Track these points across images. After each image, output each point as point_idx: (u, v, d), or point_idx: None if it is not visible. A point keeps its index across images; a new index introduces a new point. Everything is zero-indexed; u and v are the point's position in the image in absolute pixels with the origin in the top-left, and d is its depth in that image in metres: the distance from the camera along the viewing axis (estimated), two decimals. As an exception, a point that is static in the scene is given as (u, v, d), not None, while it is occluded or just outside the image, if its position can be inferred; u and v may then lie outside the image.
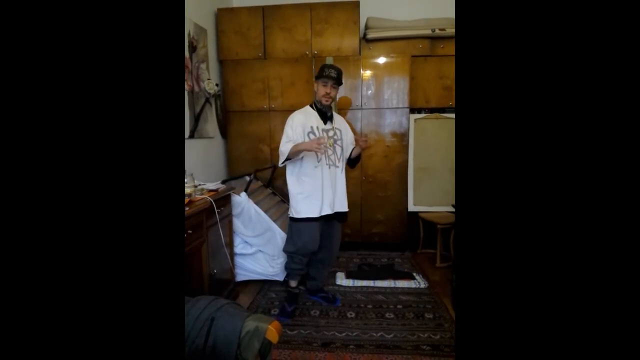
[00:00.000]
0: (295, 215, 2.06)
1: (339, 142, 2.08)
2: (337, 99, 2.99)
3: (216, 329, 1.08)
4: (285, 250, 2.19)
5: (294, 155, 1.91)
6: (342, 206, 2.12)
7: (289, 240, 2.16)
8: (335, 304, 2.21)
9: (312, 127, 2.00)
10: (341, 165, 2.11)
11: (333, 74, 1.96)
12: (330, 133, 2.05)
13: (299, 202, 2.04)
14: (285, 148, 1.92)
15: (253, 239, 2.44)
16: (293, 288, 2.23)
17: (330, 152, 2.04)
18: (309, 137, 1.97)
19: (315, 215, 2.01)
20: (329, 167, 2.04)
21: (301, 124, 1.98)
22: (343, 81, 2.94)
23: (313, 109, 2.06)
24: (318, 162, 2.00)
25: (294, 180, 2.06)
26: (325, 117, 2.04)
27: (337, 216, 2.12)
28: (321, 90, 1.99)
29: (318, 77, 2.00)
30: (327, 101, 1.99)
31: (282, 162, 1.97)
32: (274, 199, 2.99)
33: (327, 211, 2.04)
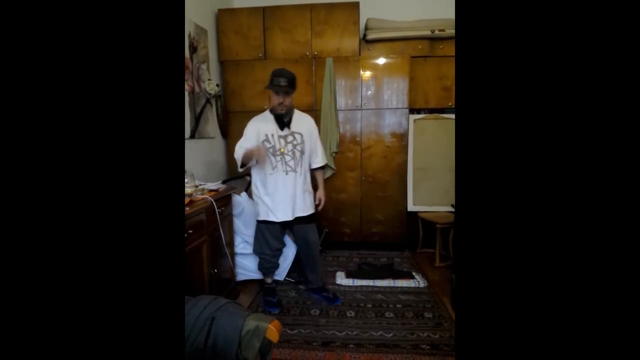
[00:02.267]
0: (256, 217, 2.18)
1: (298, 147, 2.04)
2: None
3: (217, 329, 1.09)
4: (253, 250, 2.29)
5: (247, 160, 1.96)
6: (303, 211, 2.12)
7: (254, 240, 2.26)
8: (336, 303, 2.22)
9: (266, 135, 2.02)
10: (300, 170, 2.07)
11: (283, 82, 1.93)
12: (289, 139, 2.03)
13: (258, 204, 2.14)
14: (237, 155, 2.00)
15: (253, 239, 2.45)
16: (269, 284, 2.31)
17: (288, 158, 2.03)
18: (263, 144, 2.00)
19: (273, 219, 2.09)
20: (286, 174, 2.04)
21: (255, 131, 2.03)
22: (343, 83, 3.00)
23: (271, 114, 2.05)
24: (273, 169, 2.03)
25: (256, 184, 2.14)
26: (283, 123, 2.04)
27: (299, 220, 2.13)
28: (274, 99, 1.99)
29: (269, 85, 1.98)
30: (282, 110, 1.99)
31: (240, 168, 2.03)
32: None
33: (284, 217, 2.08)
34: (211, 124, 2.89)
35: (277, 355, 1.70)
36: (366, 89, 3.02)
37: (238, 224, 2.40)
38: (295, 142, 2.04)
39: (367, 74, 3.00)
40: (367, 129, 3.07)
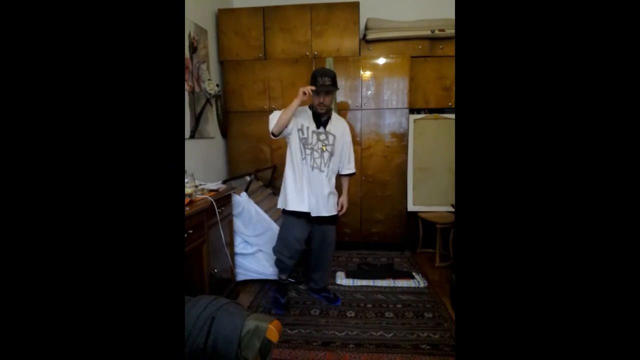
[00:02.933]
0: (284, 207, 2.11)
1: (328, 148, 2.03)
2: (338, 101, 3.00)
3: (217, 329, 1.09)
4: (273, 248, 2.22)
5: (283, 119, 1.91)
6: (326, 211, 2.08)
7: (279, 237, 2.19)
8: (336, 304, 2.22)
9: (302, 125, 2.01)
10: (327, 170, 2.05)
11: (327, 82, 1.93)
12: (322, 137, 2.03)
13: (286, 192, 2.08)
14: (272, 117, 1.97)
15: (253, 238, 2.45)
16: (283, 280, 2.25)
17: (316, 155, 2.02)
18: (297, 133, 2.00)
19: (301, 209, 2.04)
20: (312, 169, 2.02)
21: (296, 121, 2.01)
22: (343, 82, 3.00)
23: (310, 109, 2.07)
24: (302, 159, 2.02)
25: (287, 172, 2.10)
26: (320, 120, 2.03)
27: (321, 220, 2.10)
28: (315, 100, 1.98)
29: (314, 86, 1.95)
30: (321, 109, 1.98)
31: (272, 129, 1.97)
32: (275, 199, 2.99)
33: (305, 208, 2.05)
34: (211, 124, 2.89)
35: (277, 355, 1.70)
36: (366, 89, 3.02)
37: (238, 223, 2.40)
38: (326, 142, 2.03)
39: (367, 74, 3.00)
40: (367, 128, 3.07)
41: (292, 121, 1.97)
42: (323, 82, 1.92)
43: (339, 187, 2.19)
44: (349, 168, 2.17)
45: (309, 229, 2.13)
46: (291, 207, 2.06)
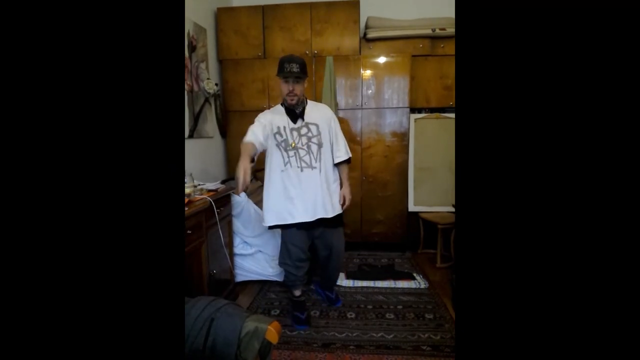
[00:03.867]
0: (265, 224, 1.94)
1: (314, 140, 1.83)
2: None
3: (216, 330, 1.08)
4: (279, 261, 2.08)
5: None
6: (326, 212, 1.87)
7: (280, 249, 2.04)
8: (336, 305, 2.20)
9: (278, 127, 1.82)
10: (320, 165, 1.85)
11: (295, 68, 1.72)
12: (303, 131, 1.83)
13: (267, 208, 1.91)
14: (245, 140, 1.70)
15: (252, 239, 2.43)
16: (298, 297, 2.07)
17: (302, 152, 1.82)
18: (275, 137, 1.82)
19: (290, 221, 1.86)
20: (302, 170, 1.82)
21: (269, 121, 1.81)
22: (343, 82, 2.99)
23: (283, 106, 1.88)
24: (285, 165, 1.83)
25: (267, 181, 1.90)
26: (295, 115, 1.84)
27: (323, 223, 1.90)
28: (283, 88, 1.78)
29: (278, 74, 1.78)
30: (292, 100, 1.78)
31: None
32: (274, 199, 2.98)
33: (303, 218, 1.85)
34: (210, 124, 2.88)
35: (276, 357, 1.69)
36: (366, 88, 3.00)
37: (237, 224, 2.39)
38: (310, 135, 1.83)
39: (367, 73, 2.99)
40: (368, 128, 3.05)
41: (266, 128, 1.77)
42: (290, 68, 1.73)
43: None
44: (340, 155, 1.94)
45: (311, 236, 1.97)
46: (281, 221, 1.88)
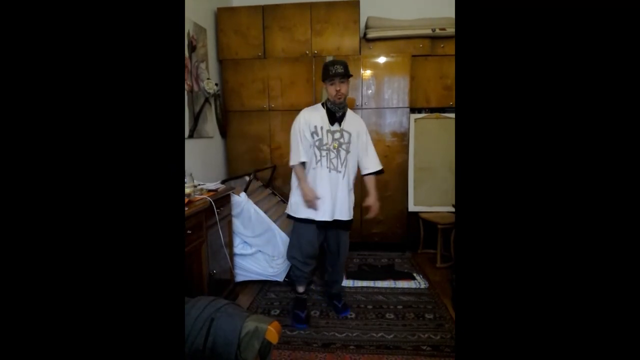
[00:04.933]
0: (291, 214, 2.02)
1: (344, 147, 1.92)
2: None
3: (216, 330, 1.08)
4: (287, 255, 2.13)
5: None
6: (342, 214, 1.96)
7: (290, 242, 2.11)
8: (343, 314, 2.09)
9: (315, 127, 1.90)
10: (344, 170, 1.93)
11: (340, 69, 1.82)
12: (337, 135, 1.91)
13: (295, 199, 2.00)
14: (293, 162, 1.94)
15: (253, 239, 2.43)
16: (301, 294, 2.12)
17: (332, 155, 1.91)
18: (312, 137, 1.90)
19: (312, 217, 1.94)
20: (329, 171, 1.91)
21: (306, 123, 1.91)
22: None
23: (323, 107, 1.95)
24: (316, 163, 1.92)
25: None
26: (334, 117, 1.91)
27: (338, 224, 1.98)
28: (331, 90, 1.86)
29: (325, 79, 1.87)
30: (339, 98, 1.86)
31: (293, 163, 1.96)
32: (274, 199, 2.98)
33: (324, 217, 1.93)
34: (210, 124, 2.88)
35: (276, 357, 1.69)
36: (366, 88, 3.00)
37: (237, 224, 2.38)
38: (342, 141, 1.91)
39: (367, 73, 2.99)
40: (368, 128, 2.95)
41: (305, 136, 1.91)
42: (335, 70, 1.82)
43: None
44: (371, 167, 2.00)
45: (324, 233, 2.04)
46: (304, 214, 1.96)
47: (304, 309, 2.06)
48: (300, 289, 2.12)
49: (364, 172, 2.02)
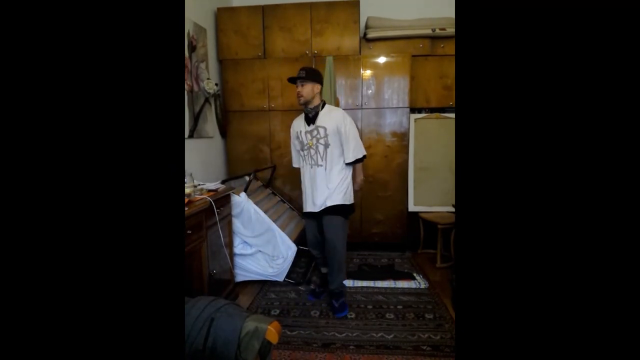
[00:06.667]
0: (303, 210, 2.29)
1: (321, 141, 2.06)
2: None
3: (216, 330, 1.08)
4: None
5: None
6: (324, 203, 2.08)
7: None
8: (339, 315, 2.08)
9: (297, 132, 2.15)
10: (325, 164, 2.07)
11: (302, 74, 2.01)
12: (314, 133, 2.08)
13: (303, 197, 2.26)
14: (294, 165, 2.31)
15: (252, 239, 2.43)
16: (325, 273, 2.34)
17: (313, 151, 2.09)
18: (297, 141, 2.16)
19: (308, 210, 2.19)
20: (311, 167, 2.12)
21: (293, 131, 2.20)
22: (343, 82, 2.98)
23: (305, 112, 2.14)
24: (302, 163, 2.19)
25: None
26: (309, 118, 2.10)
27: (324, 211, 2.10)
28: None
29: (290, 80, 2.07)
30: (299, 100, 2.05)
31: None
32: (274, 199, 2.99)
33: (310, 209, 2.15)
34: (210, 124, 2.88)
35: (276, 357, 1.69)
36: (366, 88, 3.00)
37: (237, 224, 2.38)
38: (318, 136, 2.08)
39: (367, 73, 2.98)
40: (368, 128, 3.05)
41: (294, 141, 2.20)
42: (299, 74, 2.02)
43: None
44: (348, 157, 2.08)
45: (319, 222, 2.22)
46: (304, 209, 2.24)
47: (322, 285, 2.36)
48: (323, 270, 2.35)
49: (345, 162, 2.12)
